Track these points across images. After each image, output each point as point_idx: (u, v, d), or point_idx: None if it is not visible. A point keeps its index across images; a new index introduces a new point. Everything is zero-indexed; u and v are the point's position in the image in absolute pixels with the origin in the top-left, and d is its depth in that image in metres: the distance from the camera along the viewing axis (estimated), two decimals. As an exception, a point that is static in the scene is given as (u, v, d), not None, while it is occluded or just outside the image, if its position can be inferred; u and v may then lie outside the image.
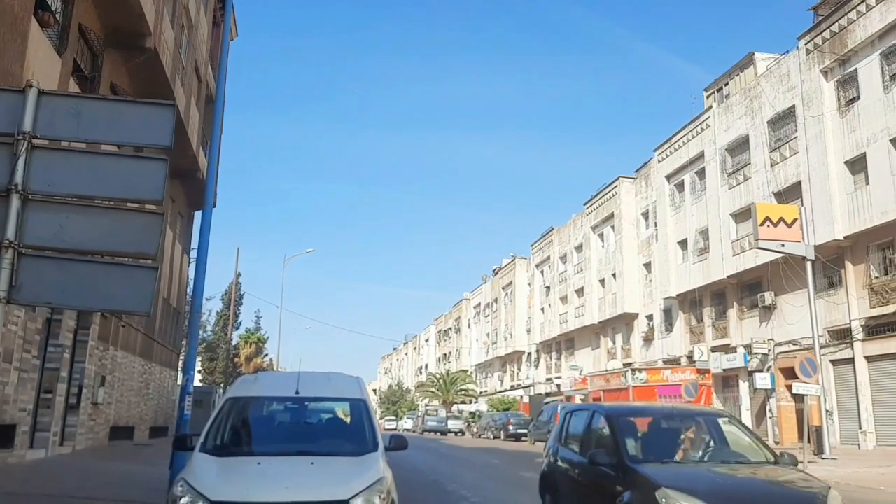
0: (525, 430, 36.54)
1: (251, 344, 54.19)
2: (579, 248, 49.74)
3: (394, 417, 77.09)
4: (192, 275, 34.13)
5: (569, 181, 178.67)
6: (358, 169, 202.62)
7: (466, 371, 75.45)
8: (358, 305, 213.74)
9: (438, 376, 71.82)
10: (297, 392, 6.52)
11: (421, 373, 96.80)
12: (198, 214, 29.22)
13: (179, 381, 19.82)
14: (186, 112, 22.40)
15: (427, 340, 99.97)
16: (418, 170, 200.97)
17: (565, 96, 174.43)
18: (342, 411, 6.93)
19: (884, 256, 23.54)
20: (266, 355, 57.77)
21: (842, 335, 24.71)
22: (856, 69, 24.26)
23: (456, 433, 46.40)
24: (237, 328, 52.70)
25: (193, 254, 31.55)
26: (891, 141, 22.56)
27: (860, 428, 23.46)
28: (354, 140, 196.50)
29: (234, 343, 51.68)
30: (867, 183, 23.51)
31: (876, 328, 23.37)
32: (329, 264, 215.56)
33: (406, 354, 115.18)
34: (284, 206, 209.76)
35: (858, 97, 24.18)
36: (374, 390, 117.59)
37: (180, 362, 30.31)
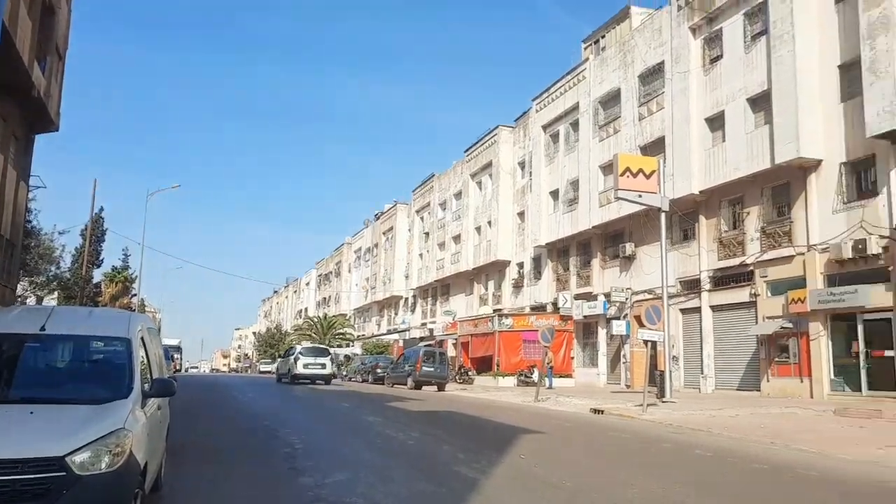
0: (394, 374, 36.52)
1: (117, 283, 51.03)
2: (458, 196, 49.73)
3: (270, 360, 75.72)
4: (32, 205, 31.35)
5: (456, 129, 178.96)
6: (247, 105, 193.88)
7: (345, 315, 74.99)
8: (242, 247, 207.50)
9: (316, 319, 70.96)
10: (42, 329, 5.61)
11: (300, 316, 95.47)
12: (42, 139, 26.50)
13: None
14: (13, 20, 19.84)
15: (308, 284, 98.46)
16: (309, 110, 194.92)
17: (457, 43, 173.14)
18: (96, 352, 6.02)
19: (733, 212, 24.66)
20: (134, 295, 54.74)
21: (692, 285, 25.89)
22: (721, 27, 24.88)
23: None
24: (98, 266, 49.39)
25: (35, 181, 28.92)
26: (747, 100, 23.39)
27: (702, 373, 24.85)
28: (246, 73, 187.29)
29: (96, 282, 48.39)
30: (724, 140, 24.39)
31: (722, 279, 24.60)
32: (213, 204, 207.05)
33: (286, 298, 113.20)
34: (163, 138, 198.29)
35: (722, 56, 24.86)
36: (254, 333, 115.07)
37: (18, 299, 27.84)
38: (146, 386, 5.61)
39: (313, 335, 68.55)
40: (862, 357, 19.29)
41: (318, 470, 8.36)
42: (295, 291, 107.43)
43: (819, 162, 20.82)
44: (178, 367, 50.30)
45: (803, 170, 21.26)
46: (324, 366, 32.01)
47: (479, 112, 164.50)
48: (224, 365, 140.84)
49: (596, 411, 18.43)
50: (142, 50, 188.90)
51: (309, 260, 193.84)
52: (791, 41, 21.38)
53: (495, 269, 43.58)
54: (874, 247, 18.56)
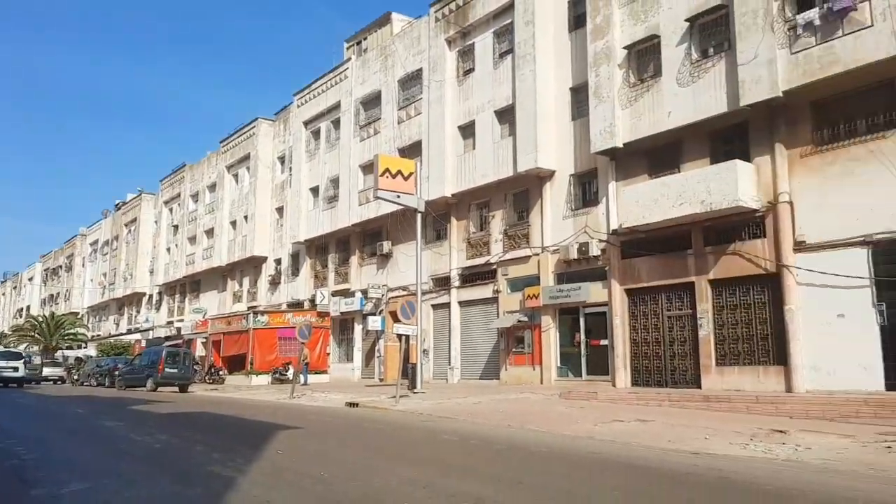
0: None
1: None
2: (212, 188, 47.51)
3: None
4: None
5: (211, 118, 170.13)
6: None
7: (77, 314, 67.78)
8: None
9: (41, 319, 63.18)
10: None
11: (20, 315, 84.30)
12: None
13: None
14: None
15: (31, 279, 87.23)
16: (44, 86, 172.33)
17: (212, 29, 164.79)
18: None
19: (481, 214, 26.60)
20: None
21: (443, 282, 27.47)
22: (473, 42, 26.72)
23: (55, 381, 41.25)
24: None
25: None
26: (495, 112, 25.38)
27: (449, 364, 26.49)
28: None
29: None
30: (474, 148, 26.21)
31: (470, 277, 26.43)
32: None
33: (3, 294, 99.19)
34: None
35: (474, 69, 26.69)
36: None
37: None
38: None
39: (37, 336, 61.08)
40: (583, 346, 21.96)
41: (52, 481, 7.61)
42: (14, 287, 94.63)
43: (553, 173, 23.27)
44: None
45: (540, 179, 23.61)
46: (16, 369, 34.02)
47: (236, 104, 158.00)
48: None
49: (351, 405, 18.83)
50: None
51: (32, 252, 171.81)
52: (532, 62, 23.64)
53: (251, 266, 42.35)
54: (595, 249, 21.24)
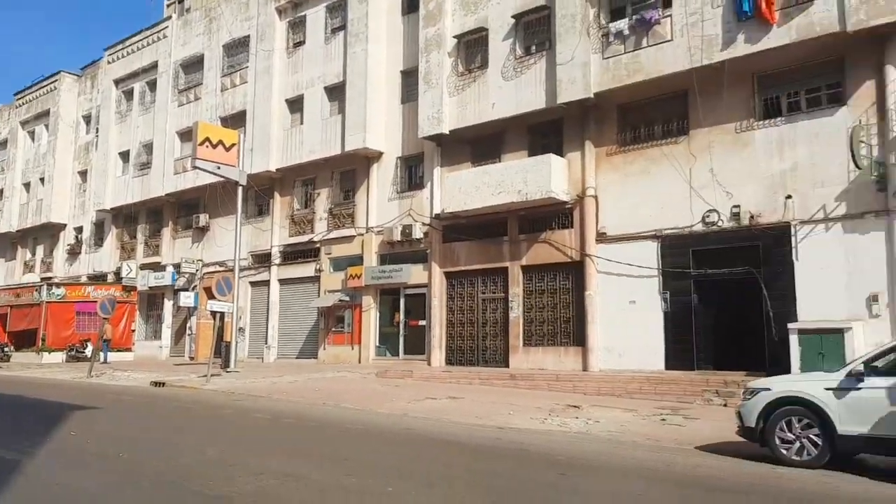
0: None
1: None
2: (3, 144, 42.50)
3: None
4: None
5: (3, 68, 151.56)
6: None
7: None
8: None
9: None
10: None
11: None
12: None
13: None
14: None
15: None
16: None
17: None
18: None
19: (306, 191, 26.13)
20: None
21: (263, 259, 26.70)
22: (305, 14, 26.04)
23: None
24: None
25: None
26: (325, 88, 24.96)
27: (266, 343, 25.89)
28: None
29: None
30: (302, 123, 25.62)
31: (291, 255, 25.92)
32: None
33: None
34: None
35: (304, 41, 26.03)
36: None
37: None
38: None
39: None
40: (401, 326, 22.39)
41: None
42: None
43: (381, 154, 23.38)
44: None
45: (368, 159, 23.63)
46: None
47: (36, 54, 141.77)
48: None
49: (157, 384, 17.89)
50: None
51: None
52: (364, 41, 23.52)
53: (47, 233, 38.49)
54: (418, 232, 21.68)
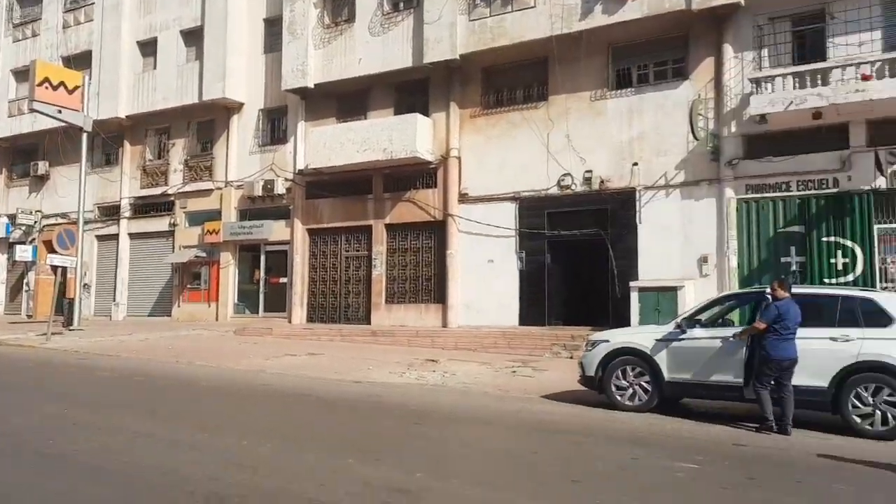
0: None
1: None
2: None
3: None
4: None
5: None
6: None
7: None
8: None
9: None
10: None
11: None
12: None
13: None
14: None
15: None
16: None
17: None
18: None
19: (160, 141, 24.69)
20: None
21: (111, 212, 25.08)
22: (159, -49, 24.29)
23: None
24: None
25: None
26: (181, 32, 23.49)
27: (115, 300, 24.49)
28: None
29: None
30: (155, 68, 24.04)
31: (143, 207, 24.52)
32: None
33: None
34: None
35: (159, -19, 24.34)
36: None
37: None
38: None
39: None
40: (262, 283, 21.91)
41: None
42: None
43: (241, 105, 22.44)
44: None
45: (228, 110, 22.63)
46: None
47: None
48: None
49: (-11, 343, 16.56)
50: None
51: None
52: (225, -15, 22.33)
53: None
54: (280, 187, 21.14)
